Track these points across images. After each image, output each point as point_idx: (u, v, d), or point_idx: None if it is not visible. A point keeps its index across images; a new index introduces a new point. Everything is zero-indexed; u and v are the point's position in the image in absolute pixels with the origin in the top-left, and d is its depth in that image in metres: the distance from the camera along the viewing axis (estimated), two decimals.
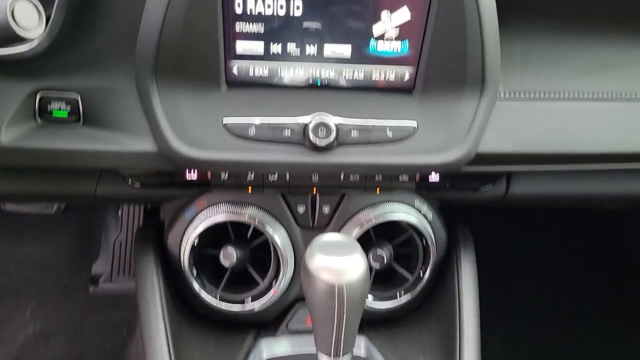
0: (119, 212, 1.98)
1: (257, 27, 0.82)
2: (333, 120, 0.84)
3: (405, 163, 0.88)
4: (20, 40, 0.75)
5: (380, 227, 1.02)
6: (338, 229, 1.01)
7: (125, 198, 1.17)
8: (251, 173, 0.96)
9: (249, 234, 1.01)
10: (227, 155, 0.85)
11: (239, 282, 1.05)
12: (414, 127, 0.87)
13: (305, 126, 0.85)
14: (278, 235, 0.98)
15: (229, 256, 0.97)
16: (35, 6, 0.74)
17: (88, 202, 1.75)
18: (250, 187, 0.97)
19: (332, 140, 0.84)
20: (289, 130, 0.85)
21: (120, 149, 0.85)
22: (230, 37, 0.83)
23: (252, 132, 0.85)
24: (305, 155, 0.86)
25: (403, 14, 0.82)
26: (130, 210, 1.97)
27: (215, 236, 1.02)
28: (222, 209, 0.97)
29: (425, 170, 0.96)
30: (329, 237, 0.73)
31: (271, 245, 0.99)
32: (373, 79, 0.88)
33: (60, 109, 0.85)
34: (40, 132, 0.85)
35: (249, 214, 0.97)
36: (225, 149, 0.85)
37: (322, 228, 1.02)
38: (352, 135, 0.86)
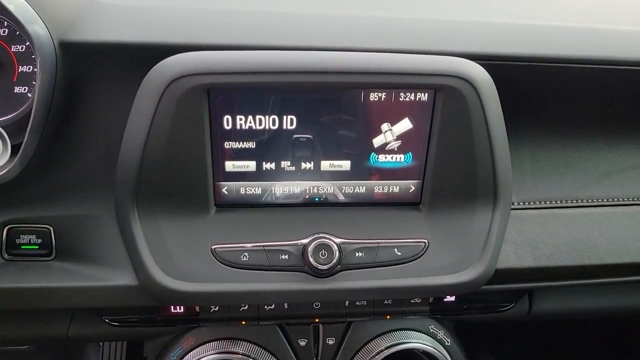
0: (101, 346, 1.83)
1: (248, 144, 0.76)
2: (334, 241, 0.76)
3: (417, 285, 0.79)
4: None
5: (392, 358, 0.90)
6: None
7: (101, 337, 1.05)
8: (245, 304, 0.86)
9: None
10: (217, 286, 0.75)
11: None
12: (425, 244, 0.78)
13: (304, 249, 0.76)
14: None
15: None
16: None
17: (59, 344, 1.61)
18: (243, 321, 0.86)
19: (334, 263, 0.75)
20: (286, 255, 0.76)
21: (97, 284, 0.76)
22: (219, 156, 0.76)
23: (244, 258, 0.76)
24: (306, 282, 0.76)
25: (404, 125, 0.76)
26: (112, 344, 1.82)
27: None
28: (212, 347, 0.86)
29: (440, 292, 0.86)
30: None
31: None
32: (375, 192, 0.81)
33: (30, 243, 0.77)
34: (6, 269, 0.76)
35: (242, 353, 0.85)
36: (215, 280, 0.75)
37: None
38: (357, 256, 0.77)
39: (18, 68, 0.84)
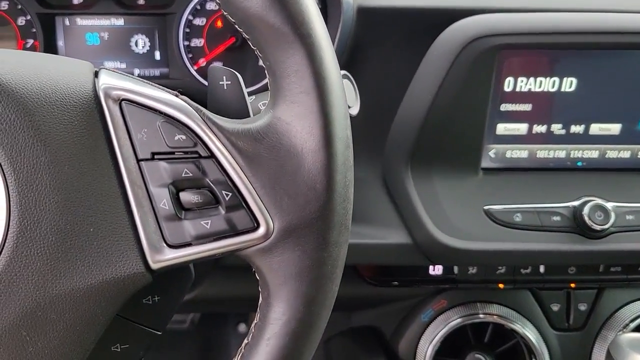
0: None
1: (524, 107, 0.78)
2: (609, 204, 0.77)
3: None
4: None
5: None
6: (595, 331, 0.90)
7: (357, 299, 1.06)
8: (502, 267, 0.87)
9: (486, 338, 0.90)
10: (492, 245, 0.77)
11: None
12: None
13: (576, 210, 0.77)
14: (533, 337, 0.87)
15: None
16: None
17: None
18: (502, 283, 0.88)
19: (609, 225, 0.76)
20: (558, 216, 0.77)
21: (374, 242, 0.79)
22: (494, 118, 0.78)
23: (517, 218, 0.78)
24: (579, 243, 0.77)
25: None
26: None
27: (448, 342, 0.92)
28: (465, 309, 0.88)
29: None
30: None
31: (524, 349, 0.88)
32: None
33: None
34: None
35: (497, 314, 0.87)
36: (490, 239, 0.77)
37: (578, 329, 0.90)
38: (627, 219, 0.78)
39: None
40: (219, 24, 0.91)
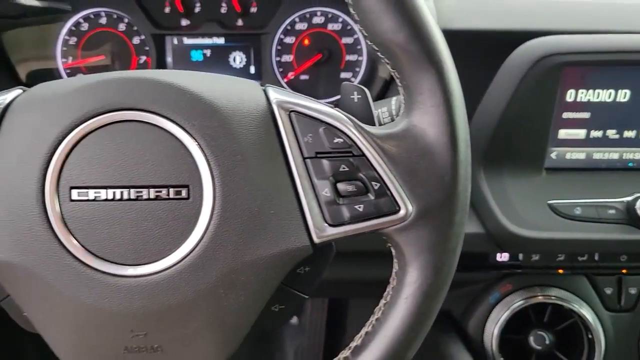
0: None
1: (583, 115, 0.90)
2: None
3: None
4: None
5: None
6: None
7: None
8: (561, 255, 0.99)
9: (545, 317, 1.02)
10: (556, 234, 0.89)
11: None
12: None
13: (629, 204, 0.88)
14: (589, 316, 0.99)
15: (540, 340, 0.98)
16: None
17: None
18: (561, 269, 1.00)
19: None
20: (614, 210, 0.89)
21: None
22: (557, 125, 0.90)
23: (577, 211, 0.89)
24: (631, 233, 0.89)
25: None
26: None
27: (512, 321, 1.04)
28: (528, 292, 1.00)
29: None
30: None
31: (582, 327, 0.99)
32: None
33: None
34: None
35: (556, 296, 0.99)
36: (554, 229, 0.89)
37: (629, 310, 1.02)
38: None
39: (345, 57, 1.03)
40: (306, 42, 1.04)
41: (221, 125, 0.50)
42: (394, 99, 0.70)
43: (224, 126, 0.50)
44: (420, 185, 0.51)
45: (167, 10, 1.01)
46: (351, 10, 0.52)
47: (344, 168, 0.52)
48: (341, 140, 0.52)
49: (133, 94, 0.49)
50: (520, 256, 1.00)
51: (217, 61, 1.05)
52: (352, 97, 0.60)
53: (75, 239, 0.49)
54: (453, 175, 0.51)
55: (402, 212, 0.52)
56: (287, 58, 1.05)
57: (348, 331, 1.46)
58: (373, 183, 0.52)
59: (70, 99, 0.50)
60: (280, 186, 0.52)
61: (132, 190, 0.49)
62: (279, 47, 1.04)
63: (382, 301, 0.55)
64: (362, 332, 0.55)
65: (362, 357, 0.53)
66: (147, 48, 1.03)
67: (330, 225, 0.52)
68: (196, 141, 0.49)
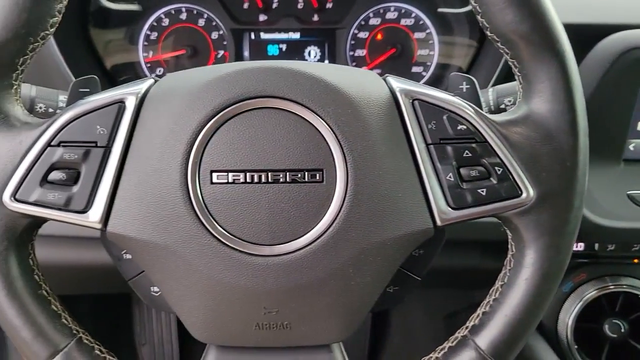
0: None
1: None
2: None
3: None
4: None
5: None
6: None
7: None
8: (637, 245, 1.00)
9: (617, 307, 1.02)
10: (635, 224, 0.90)
11: None
12: None
13: None
14: None
15: (616, 328, 0.98)
16: None
17: None
18: (636, 259, 1.01)
19: None
20: None
21: None
22: (638, 116, 0.91)
23: None
24: None
25: None
26: None
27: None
28: (601, 282, 1.01)
29: None
30: None
31: None
32: None
33: None
34: None
35: (630, 285, 0.99)
36: (633, 219, 0.90)
37: None
38: None
39: (417, 51, 1.05)
40: (379, 37, 1.07)
41: (353, 113, 0.52)
42: (490, 89, 0.72)
43: (355, 113, 0.52)
44: (542, 170, 0.53)
45: (245, 6, 1.04)
46: (472, 2, 0.54)
47: (467, 154, 0.54)
48: (464, 127, 0.54)
49: (270, 82, 0.52)
50: (596, 246, 1.01)
51: (292, 55, 1.07)
52: (460, 87, 0.62)
53: (215, 219, 0.52)
54: (574, 161, 0.53)
55: (523, 195, 0.53)
56: (361, 52, 1.07)
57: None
58: (496, 168, 0.54)
59: (210, 88, 0.52)
60: (406, 171, 0.54)
61: (269, 174, 0.52)
62: (352, 42, 1.06)
63: (499, 282, 0.56)
64: (479, 311, 0.57)
65: (482, 335, 0.55)
66: (225, 42, 1.06)
67: (453, 208, 0.54)
68: (330, 127, 0.52)
